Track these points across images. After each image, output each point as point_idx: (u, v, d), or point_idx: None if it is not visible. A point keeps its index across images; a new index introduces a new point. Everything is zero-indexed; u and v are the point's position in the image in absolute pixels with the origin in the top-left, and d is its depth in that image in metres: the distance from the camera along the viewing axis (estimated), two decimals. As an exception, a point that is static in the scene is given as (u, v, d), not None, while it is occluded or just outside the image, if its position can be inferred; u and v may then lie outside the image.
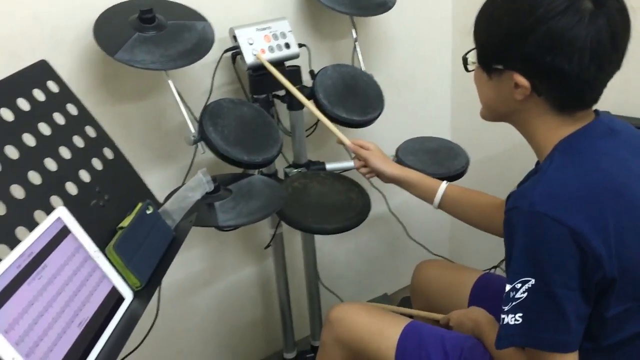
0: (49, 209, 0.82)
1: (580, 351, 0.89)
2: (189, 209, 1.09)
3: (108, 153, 1.01)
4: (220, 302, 1.87)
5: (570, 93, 0.90)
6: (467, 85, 1.08)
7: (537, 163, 1.05)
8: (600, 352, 0.93)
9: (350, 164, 1.73)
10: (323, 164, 1.67)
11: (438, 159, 1.65)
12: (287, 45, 1.51)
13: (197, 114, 1.43)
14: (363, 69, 1.71)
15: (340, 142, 1.42)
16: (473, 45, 1.00)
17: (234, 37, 1.48)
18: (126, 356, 1.19)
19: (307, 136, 1.70)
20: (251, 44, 1.47)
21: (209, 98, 1.50)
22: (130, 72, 1.39)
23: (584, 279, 0.84)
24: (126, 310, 0.88)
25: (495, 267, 1.91)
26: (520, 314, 0.87)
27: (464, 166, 1.61)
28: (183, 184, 1.42)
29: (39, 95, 0.92)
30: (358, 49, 1.70)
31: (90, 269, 0.84)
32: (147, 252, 0.94)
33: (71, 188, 0.89)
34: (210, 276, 1.82)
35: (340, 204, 1.47)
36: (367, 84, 1.67)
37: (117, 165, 1.02)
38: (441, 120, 2.16)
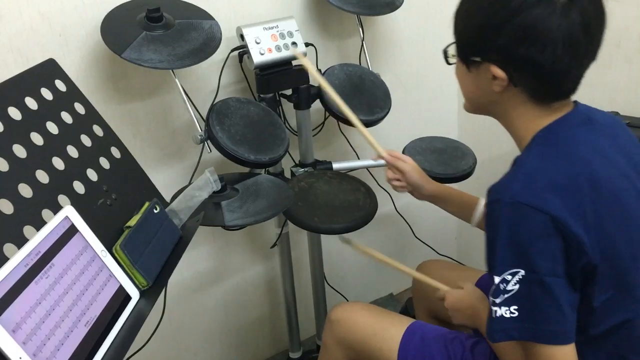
0: (56, 208, 0.82)
1: None
2: (196, 208, 1.09)
3: (115, 152, 1.02)
4: (226, 301, 1.88)
5: (545, 83, 0.91)
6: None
7: None
8: (588, 342, 0.92)
9: (356, 163, 1.73)
10: (330, 163, 1.67)
11: (445, 158, 1.64)
12: (294, 45, 1.51)
13: (204, 113, 1.43)
14: (370, 68, 1.70)
15: (379, 157, 1.34)
16: None
17: (241, 36, 1.48)
18: (133, 354, 1.19)
19: (313, 135, 1.70)
20: (258, 43, 1.47)
21: (215, 97, 1.50)
22: (137, 70, 1.39)
23: (569, 266, 0.85)
24: (133, 310, 0.88)
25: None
26: (516, 307, 0.86)
27: (471, 166, 1.61)
28: (190, 183, 1.42)
29: (46, 94, 0.93)
30: (365, 48, 1.70)
31: (97, 268, 0.84)
32: (154, 251, 0.94)
33: (79, 187, 0.89)
34: (216, 275, 1.82)
35: (346, 204, 1.47)
36: (374, 83, 1.66)
37: (124, 164, 1.02)
38: (448, 119, 2.15)
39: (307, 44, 1.55)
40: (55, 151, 0.88)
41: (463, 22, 0.96)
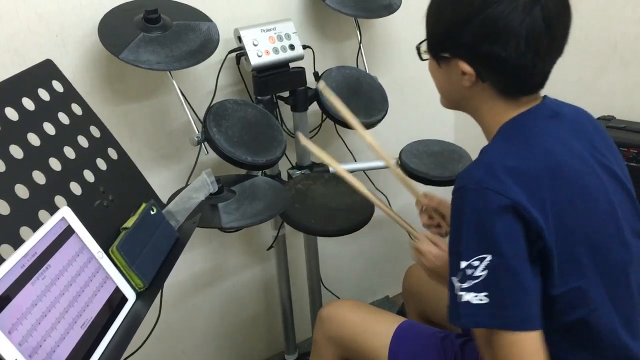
0: (53, 209, 0.82)
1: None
2: (192, 209, 1.08)
3: (112, 153, 1.01)
4: (222, 303, 1.87)
5: (511, 78, 0.94)
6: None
7: None
8: (550, 332, 0.91)
9: (353, 165, 1.73)
10: (327, 165, 1.67)
11: (441, 161, 1.64)
12: (292, 47, 1.51)
13: (201, 115, 1.43)
14: (367, 71, 1.70)
15: (419, 202, 1.31)
16: None
17: (239, 38, 1.48)
18: (129, 356, 1.18)
19: (310, 138, 1.70)
20: (256, 45, 1.47)
21: (213, 99, 1.50)
22: (134, 72, 1.39)
23: (529, 248, 0.87)
24: (129, 311, 0.87)
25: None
26: (486, 294, 0.86)
27: (467, 169, 1.61)
28: (187, 184, 1.42)
29: (44, 94, 0.92)
30: (363, 51, 1.70)
31: (93, 270, 0.84)
32: (150, 252, 0.94)
33: (75, 188, 0.89)
34: (212, 277, 1.82)
35: (343, 206, 1.47)
36: (371, 86, 1.66)
37: (121, 166, 1.02)
38: (445, 122, 2.15)
39: (304, 46, 1.56)
40: (52, 152, 0.88)
41: (433, 19, 0.99)
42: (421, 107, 2.05)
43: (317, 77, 1.61)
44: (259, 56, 1.47)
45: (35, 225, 0.78)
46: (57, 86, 0.96)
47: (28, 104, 0.88)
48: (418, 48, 1.05)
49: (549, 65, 0.95)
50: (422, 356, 1.17)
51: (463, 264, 0.88)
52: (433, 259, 1.12)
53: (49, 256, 0.76)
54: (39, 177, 0.84)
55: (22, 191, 0.80)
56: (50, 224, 0.78)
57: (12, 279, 0.70)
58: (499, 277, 0.86)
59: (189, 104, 1.42)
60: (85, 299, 0.80)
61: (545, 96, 1.00)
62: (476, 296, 0.86)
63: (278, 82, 1.51)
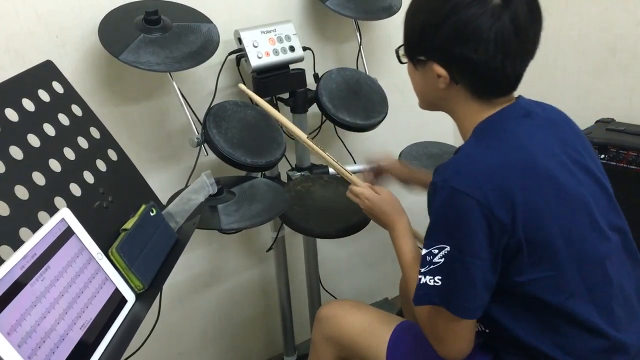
0: (52, 210, 0.82)
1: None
2: (192, 211, 1.08)
3: (112, 154, 1.01)
4: (221, 305, 1.87)
5: (482, 80, 0.97)
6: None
7: None
8: (524, 317, 0.99)
9: (353, 167, 1.73)
10: (326, 167, 1.67)
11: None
12: (292, 49, 1.51)
13: (201, 116, 1.43)
14: (367, 72, 1.70)
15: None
16: None
17: (239, 40, 1.48)
18: (128, 357, 1.18)
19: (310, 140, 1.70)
20: (256, 47, 1.47)
21: (213, 100, 1.50)
22: (134, 73, 1.39)
23: (492, 247, 0.92)
24: (128, 313, 0.87)
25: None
26: (440, 277, 0.94)
27: (467, 171, 1.61)
28: (186, 186, 1.41)
29: (44, 95, 0.92)
30: (362, 52, 1.70)
31: (93, 271, 0.84)
32: (150, 254, 0.94)
33: (75, 189, 0.89)
34: (211, 278, 1.82)
35: (342, 208, 1.47)
36: (371, 87, 1.67)
37: (121, 167, 1.02)
38: (444, 125, 2.14)
39: (304, 48, 1.56)
40: (51, 153, 0.88)
41: (409, 24, 1.02)
42: (420, 109, 2.05)
43: (317, 78, 1.61)
44: (259, 58, 1.47)
45: (35, 226, 0.78)
46: (57, 87, 0.96)
47: (28, 104, 0.88)
48: (397, 52, 1.08)
49: (519, 67, 0.97)
50: (419, 356, 1.17)
51: (424, 251, 0.96)
52: (366, 200, 1.23)
53: (49, 257, 0.76)
54: (38, 178, 0.84)
55: (21, 192, 0.80)
56: (49, 225, 0.78)
57: (12, 280, 0.69)
58: (453, 268, 0.93)
59: (188, 105, 1.42)
60: (84, 300, 0.80)
61: (519, 96, 1.03)
62: (432, 278, 0.95)
63: (278, 83, 1.51)
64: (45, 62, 0.97)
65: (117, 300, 0.86)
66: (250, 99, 1.40)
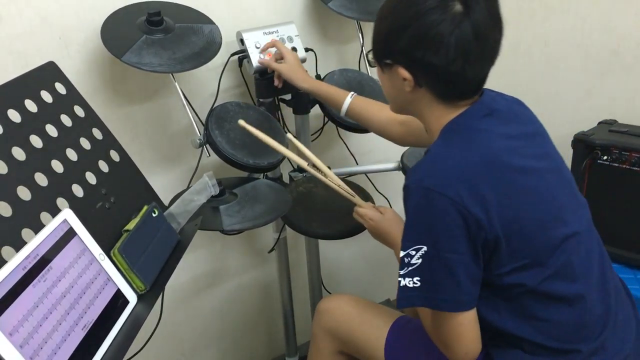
0: (54, 211, 0.82)
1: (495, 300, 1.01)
2: (194, 212, 1.08)
3: (114, 155, 1.01)
4: (223, 306, 1.87)
5: (444, 83, 1.00)
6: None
7: None
8: (506, 308, 1.02)
9: (355, 168, 1.73)
10: (328, 168, 1.66)
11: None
12: (294, 50, 1.51)
13: (203, 117, 1.43)
14: (369, 74, 1.70)
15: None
16: None
17: (241, 41, 1.48)
18: (130, 358, 1.19)
19: (312, 140, 1.70)
20: (258, 48, 1.47)
21: (215, 101, 1.50)
22: (137, 74, 1.39)
23: (471, 242, 0.94)
24: (130, 314, 0.87)
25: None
26: (418, 278, 0.96)
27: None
28: (188, 187, 1.41)
29: (46, 96, 0.93)
30: (365, 53, 1.70)
31: (95, 272, 0.84)
32: (152, 255, 0.94)
33: (77, 190, 0.89)
34: (213, 279, 1.82)
35: (344, 209, 1.46)
36: (373, 89, 1.66)
37: (123, 168, 1.02)
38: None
39: (307, 49, 1.56)
40: (54, 154, 0.88)
41: (376, 28, 1.05)
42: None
43: (319, 79, 1.61)
44: (262, 59, 1.47)
45: (37, 227, 0.78)
46: (60, 88, 0.96)
47: (31, 105, 0.89)
48: (367, 56, 1.11)
49: (480, 72, 1.00)
50: (418, 349, 1.17)
51: (402, 253, 0.98)
52: (370, 220, 1.25)
53: (51, 258, 0.77)
54: (41, 179, 0.84)
55: (24, 193, 0.80)
56: (52, 226, 0.78)
57: (14, 281, 0.70)
58: (432, 266, 0.95)
59: (191, 106, 1.42)
60: (86, 301, 0.80)
61: (483, 92, 1.06)
62: (411, 280, 0.97)
63: (279, 86, 1.51)
64: (48, 63, 0.97)
65: (119, 301, 0.86)
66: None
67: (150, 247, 0.94)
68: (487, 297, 1.01)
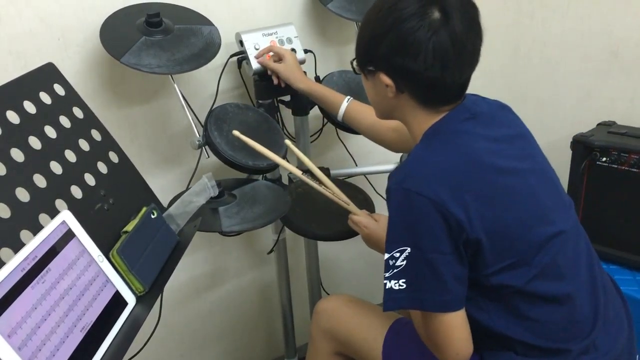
0: (53, 213, 0.82)
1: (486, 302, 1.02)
2: (193, 213, 1.08)
3: (113, 157, 1.01)
4: (222, 307, 1.87)
5: (424, 89, 1.02)
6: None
7: None
8: (494, 308, 1.02)
9: (354, 170, 1.73)
10: (327, 169, 1.66)
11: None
12: (294, 51, 1.51)
13: (203, 118, 1.43)
14: (369, 75, 1.70)
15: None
16: None
17: (240, 42, 1.48)
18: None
19: (312, 142, 1.70)
20: (257, 49, 1.47)
21: (214, 102, 1.50)
22: (136, 75, 1.39)
23: (453, 242, 0.95)
24: (129, 315, 0.87)
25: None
26: (404, 280, 0.97)
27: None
28: (188, 188, 1.42)
29: (45, 98, 0.92)
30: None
31: (93, 273, 0.84)
32: (151, 256, 0.94)
33: (76, 192, 0.89)
34: (212, 281, 1.82)
35: (344, 211, 1.46)
36: (373, 90, 1.66)
37: (122, 169, 1.02)
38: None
39: (306, 51, 1.56)
40: (53, 155, 0.88)
41: (359, 35, 1.07)
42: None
43: (318, 80, 1.61)
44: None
45: (36, 228, 0.78)
46: (59, 89, 0.96)
47: (29, 107, 0.89)
48: (352, 63, 1.13)
49: (459, 78, 1.01)
50: (415, 351, 1.17)
51: (386, 255, 0.98)
52: (364, 228, 1.26)
53: (49, 260, 0.76)
54: (39, 181, 0.84)
55: (22, 194, 0.80)
56: (50, 227, 0.78)
57: (12, 283, 0.69)
58: (416, 267, 0.96)
59: (190, 107, 1.42)
60: (85, 303, 0.80)
61: (466, 96, 1.07)
62: (397, 282, 0.97)
63: (279, 86, 1.51)
64: (47, 64, 0.97)
65: (117, 303, 0.86)
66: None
67: (149, 248, 0.94)
68: (476, 298, 1.01)
